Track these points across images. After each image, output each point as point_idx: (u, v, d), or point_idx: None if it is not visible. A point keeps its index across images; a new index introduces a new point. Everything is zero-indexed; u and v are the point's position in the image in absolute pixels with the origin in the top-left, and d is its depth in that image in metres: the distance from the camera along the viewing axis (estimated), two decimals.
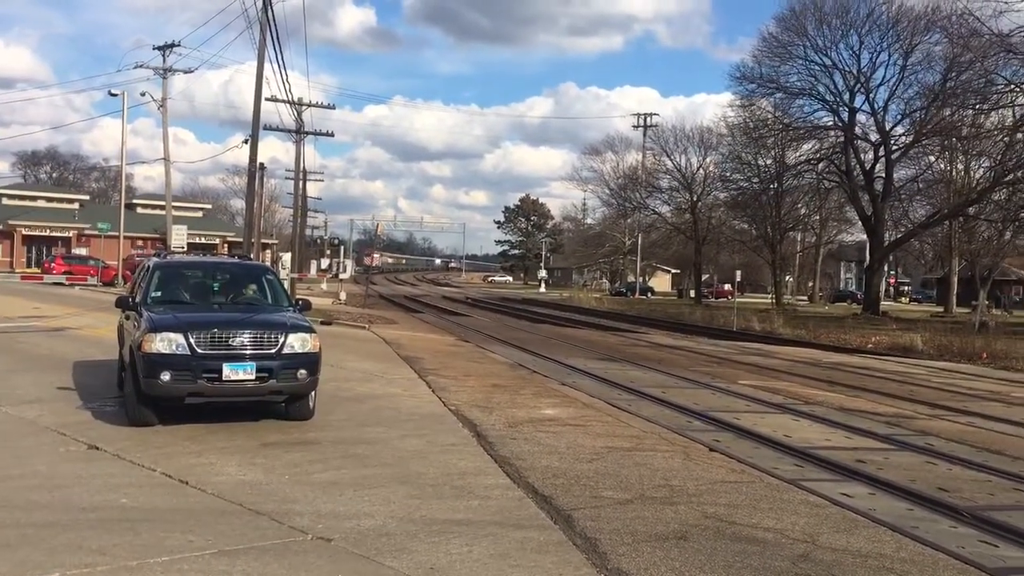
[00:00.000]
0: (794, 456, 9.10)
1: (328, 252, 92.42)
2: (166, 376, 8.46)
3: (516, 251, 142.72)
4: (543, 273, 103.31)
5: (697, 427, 10.71)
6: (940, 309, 58.71)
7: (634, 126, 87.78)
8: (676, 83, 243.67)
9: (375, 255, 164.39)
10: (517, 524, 6.14)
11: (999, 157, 43.32)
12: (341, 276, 49.35)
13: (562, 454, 8.48)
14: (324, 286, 57.55)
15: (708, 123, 73.51)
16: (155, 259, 10.80)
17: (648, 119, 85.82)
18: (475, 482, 7.32)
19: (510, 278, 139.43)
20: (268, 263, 62.26)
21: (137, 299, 9.79)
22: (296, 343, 8.90)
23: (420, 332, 26.01)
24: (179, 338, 8.53)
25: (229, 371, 8.54)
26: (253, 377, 8.67)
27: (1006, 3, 37.98)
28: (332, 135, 40.09)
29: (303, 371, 8.88)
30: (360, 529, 5.89)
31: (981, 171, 48.41)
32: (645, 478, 7.61)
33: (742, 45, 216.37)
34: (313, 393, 9.49)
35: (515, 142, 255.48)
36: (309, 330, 9.21)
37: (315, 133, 38.67)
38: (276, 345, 8.82)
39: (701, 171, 69.56)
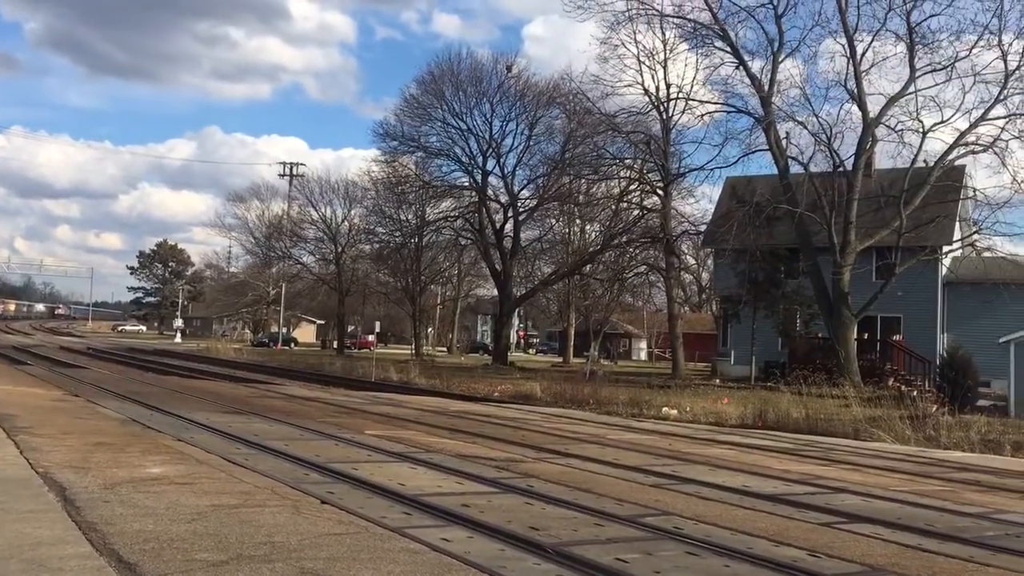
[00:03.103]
0: (404, 504, 9.26)
1: None
2: None
3: (152, 298, 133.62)
4: (179, 322, 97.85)
5: (314, 479, 10.56)
6: (560, 360, 64.08)
7: (280, 175, 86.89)
8: (324, 136, 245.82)
9: None
10: None
11: (608, 223, 48.73)
12: None
13: (159, 516, 7.90)
14: None
15: (354, 176, 74.38)
16: None
17: (295, 168, 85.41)
18: (50, 552, 6.56)
19: (143, 327, 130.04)
20: None
21: None
22: None
23: (22, 386, 23.22)
24: None
25: None
26: None
27: (612, 87, 43.26)
28: None
29: None
30: None
31: (594, 234, 54.13)
32: (247, 536, 7.30)
33: (387, 104, 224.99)
34: None
35: (154, 184, 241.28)
36: None
37: None
38: None
39: (346, 223, 70.57)
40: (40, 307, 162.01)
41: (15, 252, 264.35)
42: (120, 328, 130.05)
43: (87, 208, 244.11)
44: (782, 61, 38.90)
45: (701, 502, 10.15)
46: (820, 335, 38.92)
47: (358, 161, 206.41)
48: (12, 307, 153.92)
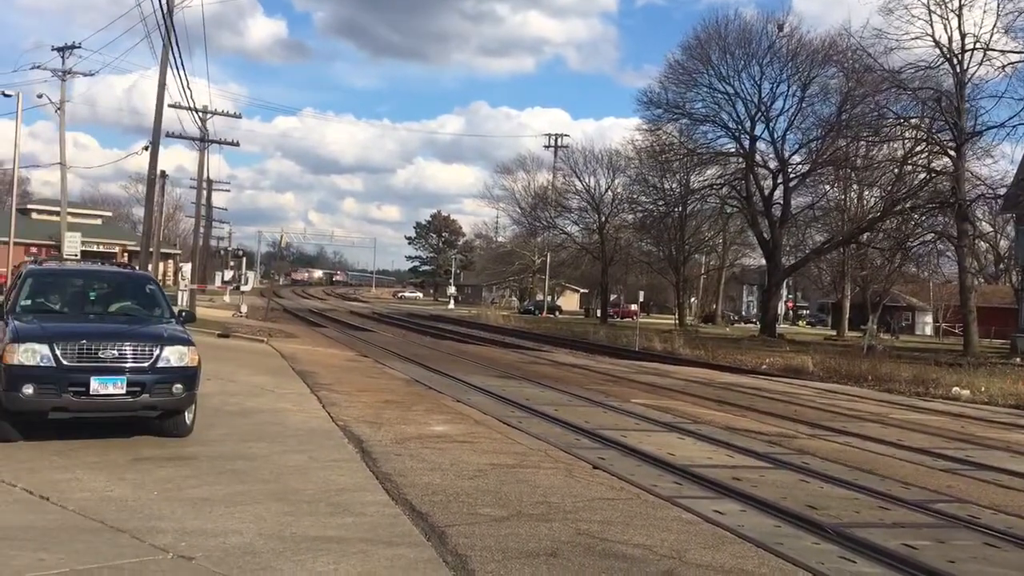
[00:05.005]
0: (675, 474, 9.25)
1: (232, 264, 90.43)
2: (28, 389, 8.04)
3: (427, 267, 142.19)
4: (452, 290, 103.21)
5: (584, 445, 10.81)
6: (833, 332, 60.82)
7: (545, 146, 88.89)
8: (585, 106, 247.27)
9: (303, 269, 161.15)
10: (389, 541, 6.08)
11: (889, 188, 45.26)
12: (243, 288, 48.41)
13: (445, 471, 8.45)
14: (227, 298, 56.19)
15: (616, 146, 74.69)
16: (29, 266, 10.37)
17: (559, 140, 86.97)
18: (352, 498, 7.23)
19: (420, 294, 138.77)
20: (171, 273, 60.14)
21: (7, 307, 9.36)
22: (172, 356, 8.62)
23: (320, 347, 25.64)
24: (44, 349, 8.14)
25: (97, 385, 8.18)
26: (124, 392, 8.33)
27: (896, 41, 39.99)
28: (237, 144, 39.47)
29: (179, 386, 8.60)
30: (225, 547, 5.74)
31: (873, 200, 50.50)
32: (525, 495, 7.63)
33: (647, 71, 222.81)
34: (192, 408, 9.23)
35: (427, 158, 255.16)
36: (187, 343, 8.93)
37: (218, 142, 37.95)
38: (150, 358, 8.51)
39: (609, 193, 70.72)
40: (319, 273, 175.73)
41: (309, 224, 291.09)
42: (400, 294, 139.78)
43: (369, 182, 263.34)
44: None
45: (1001, 491, 9.30)
46: None
47: (619, 130, 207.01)
48: (317, 274, 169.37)
